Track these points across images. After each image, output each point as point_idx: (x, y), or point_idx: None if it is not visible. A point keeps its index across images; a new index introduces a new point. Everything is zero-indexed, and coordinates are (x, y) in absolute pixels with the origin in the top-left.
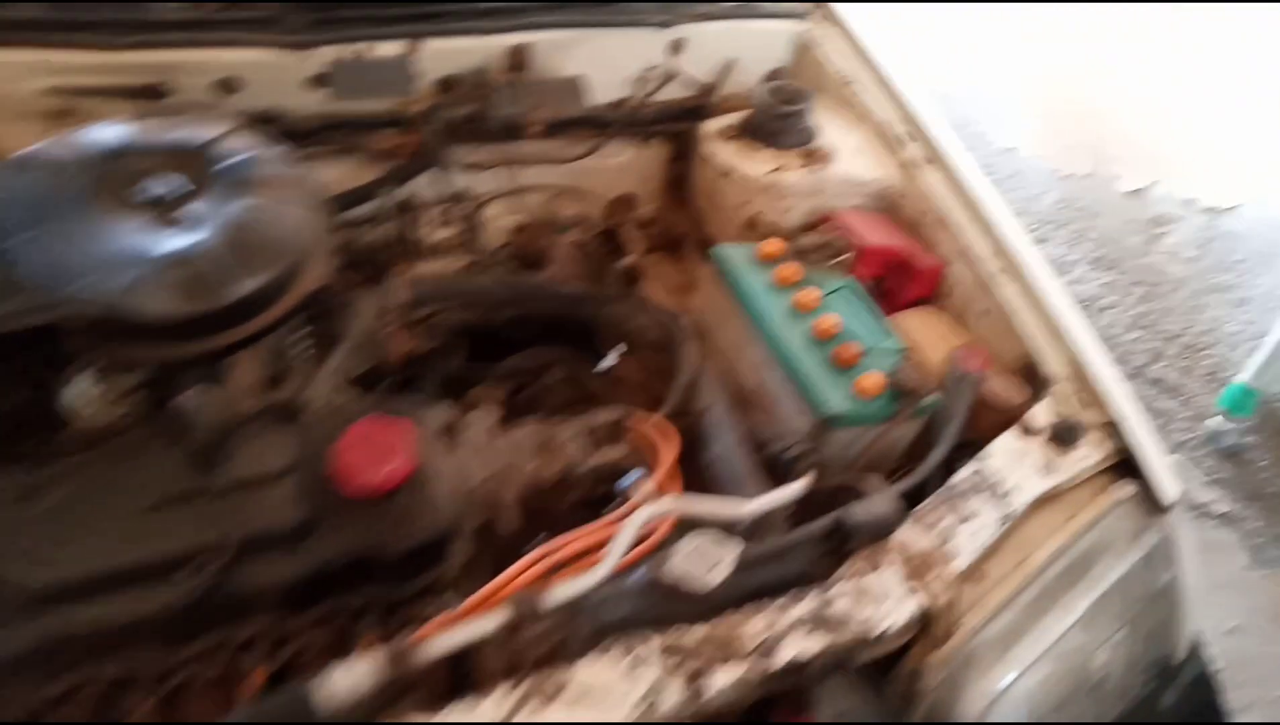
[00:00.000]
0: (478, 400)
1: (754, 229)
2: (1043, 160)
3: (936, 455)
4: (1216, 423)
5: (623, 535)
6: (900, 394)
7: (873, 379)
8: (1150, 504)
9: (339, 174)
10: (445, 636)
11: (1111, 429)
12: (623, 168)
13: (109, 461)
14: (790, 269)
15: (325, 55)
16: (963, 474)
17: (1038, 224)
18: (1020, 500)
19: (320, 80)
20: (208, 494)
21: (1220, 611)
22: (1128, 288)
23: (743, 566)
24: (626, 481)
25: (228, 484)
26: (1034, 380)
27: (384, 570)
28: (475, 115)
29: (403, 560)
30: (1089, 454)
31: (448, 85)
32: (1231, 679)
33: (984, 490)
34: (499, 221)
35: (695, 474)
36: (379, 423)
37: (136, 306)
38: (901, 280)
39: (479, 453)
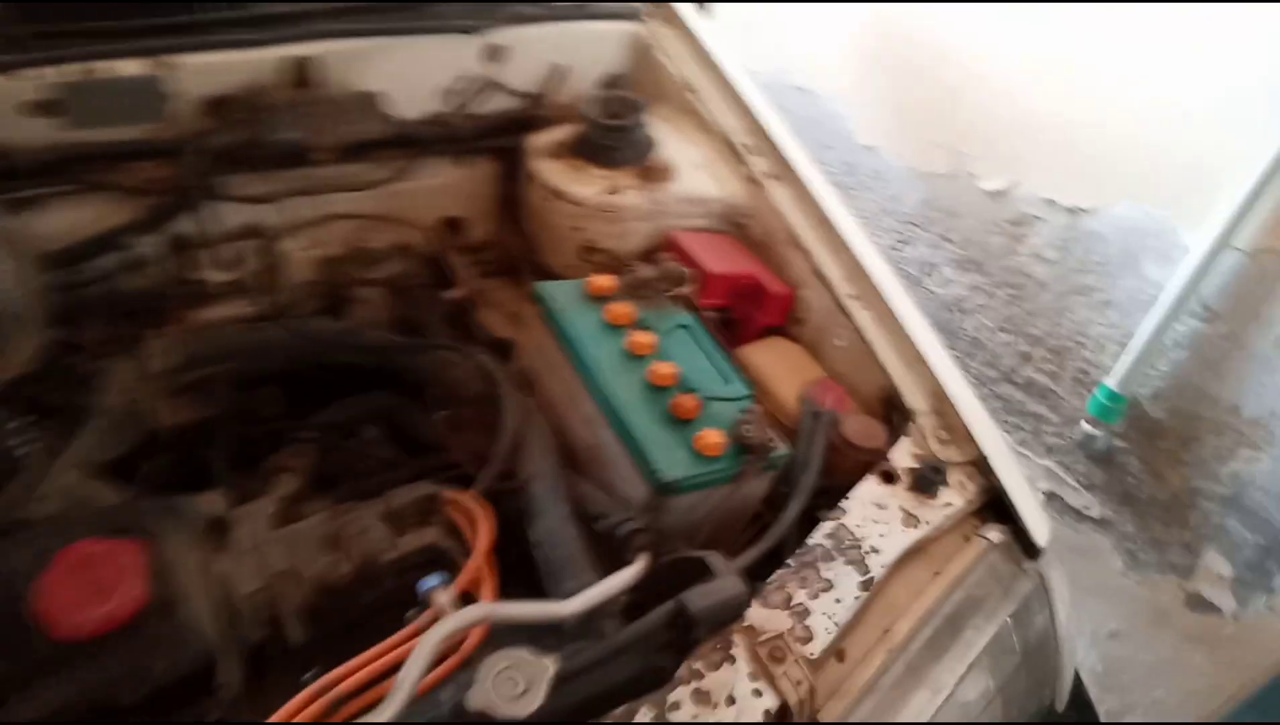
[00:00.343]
0: (279, 469)
1: (591, 255)
2: (903, 159)
3: (789, 514)
4: (1087, 428)
5: (414, 661)
6: (746, 449)
7: (714, 435)
8: (1022, 546)
9: (85, 216)
10: None
11: (977, 467)
12: (443, 189)
13: None
14: (623, 307)
15: (47, 77)
16: (818, 535)
17: (901, 225)
18: (882, 561)
19: (47, 107)
20: None
21: (1099, 616)
22: (993, 290)
23: (566, 679)
24: (427, 583)
25: None
26: (895, 414)
27: (129, 715)
28: (251, 141)
29: (152, 701)
30: (954, 498)
31: (217, 107)
32: (1114, 682)
33: (842, 553)
34: (302, 256)
35: (524, 552)
36: (97, 546)
37: None
38: (750, 309)
39: (252, 555)
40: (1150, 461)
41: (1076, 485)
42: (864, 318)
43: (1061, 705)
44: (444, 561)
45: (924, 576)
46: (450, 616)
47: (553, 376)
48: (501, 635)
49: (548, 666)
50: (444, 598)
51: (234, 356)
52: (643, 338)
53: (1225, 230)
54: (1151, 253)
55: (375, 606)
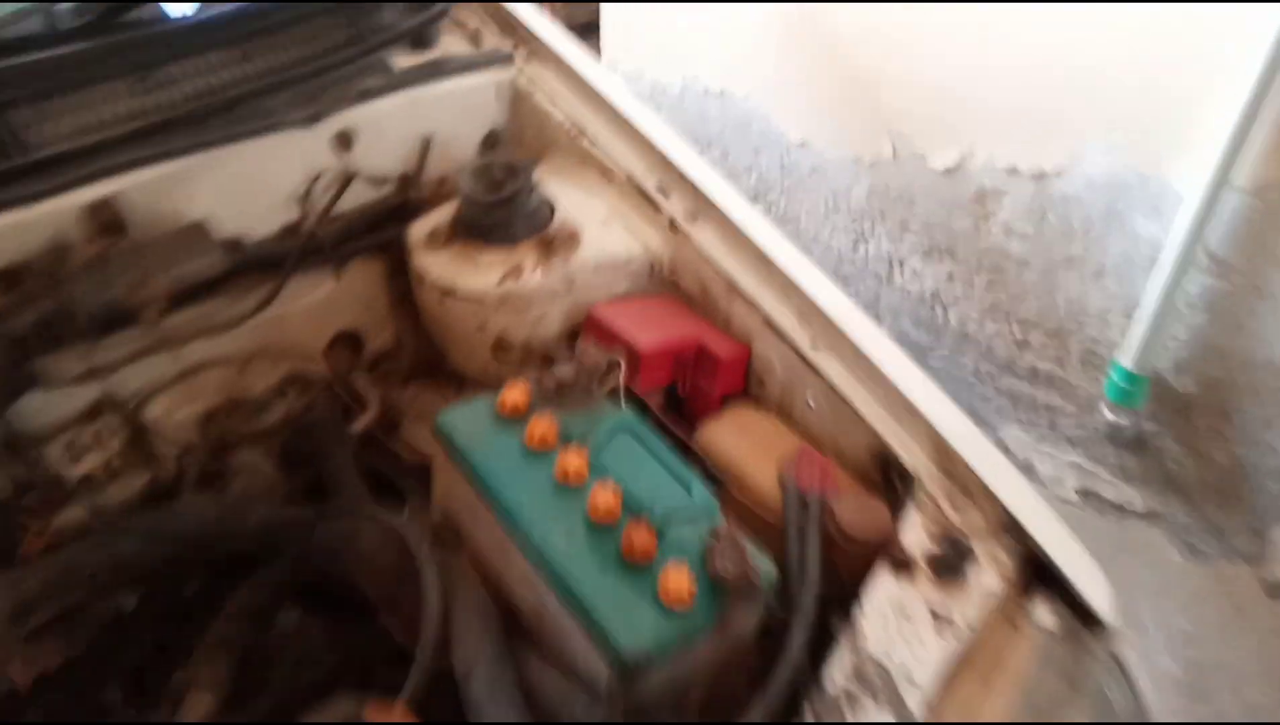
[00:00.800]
0: (186, 687)
1: (506, 352)
2: (841, 149)
3: (793, 651)
4: (1109, 414)
5: None
6: (720, 585)
7: (680, 578)
8: (1081, 619)
9: None
10: None
11: (1004, 527)
12: (326, 304)
13: None
14: (545, 422)
15: None
16: (837, 675)
17: (854, 221)
18: (921, 692)
19: None
20: None
21: (1167, 616)
22: (970, 276)
23: None
24: None
25: None
26: (894, 478)
27: None
28: (58, 313)
29: None
30: (987, 577)
31: (12, 280)
32: (1203, 688)
33: (869, 690)
34: (172, 420)
35: None
36: None
37: None
38: (701, 379)
39: None
40: (1189, 441)
41: (1112, 478)
42: (832, 367)
43: None
44: None
45: (975, 690)
46: None
47: (479, 526)
48: None
49: None
50: None
51: (83, 584)
52: (574, 460)
53: (1220, 169)
54: (1138, 207)
55: None
